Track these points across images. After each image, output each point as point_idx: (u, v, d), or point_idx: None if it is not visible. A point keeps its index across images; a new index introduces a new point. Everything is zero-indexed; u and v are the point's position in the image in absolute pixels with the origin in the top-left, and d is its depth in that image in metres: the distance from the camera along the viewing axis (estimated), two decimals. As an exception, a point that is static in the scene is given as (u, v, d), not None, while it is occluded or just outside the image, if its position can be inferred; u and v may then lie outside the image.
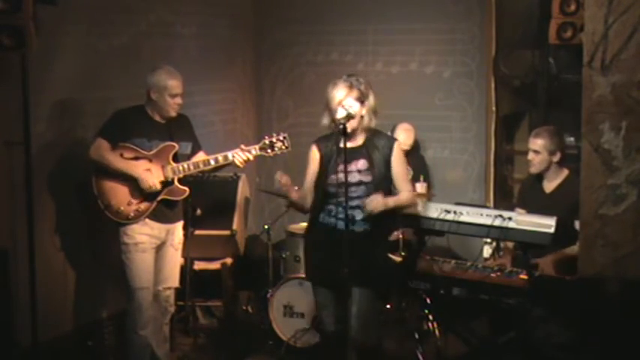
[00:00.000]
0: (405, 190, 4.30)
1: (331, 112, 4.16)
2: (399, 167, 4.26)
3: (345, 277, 3.99)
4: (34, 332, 4.73)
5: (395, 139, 4.36)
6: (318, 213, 4.28)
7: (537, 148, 5.02)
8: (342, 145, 4.10)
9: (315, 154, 4.31)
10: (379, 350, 4.40)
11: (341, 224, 4.14)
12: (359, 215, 4.18)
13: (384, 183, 4.21)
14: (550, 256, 4.80)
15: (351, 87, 4.14)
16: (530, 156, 5.07)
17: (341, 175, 4.07)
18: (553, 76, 6.19)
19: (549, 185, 5.12)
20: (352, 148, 4.17)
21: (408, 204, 4.36)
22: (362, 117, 4.16)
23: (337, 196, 4.14)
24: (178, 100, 4.76)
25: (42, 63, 4.81)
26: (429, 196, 5.67)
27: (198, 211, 5.31)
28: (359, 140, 4.23)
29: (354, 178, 4.17)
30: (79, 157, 4.91)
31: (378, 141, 4.24)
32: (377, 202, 4.12)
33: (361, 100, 4.15)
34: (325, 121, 4.21)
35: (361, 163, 4.19)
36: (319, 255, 4.30)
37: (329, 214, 4.23)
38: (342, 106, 4.11)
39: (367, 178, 4.18)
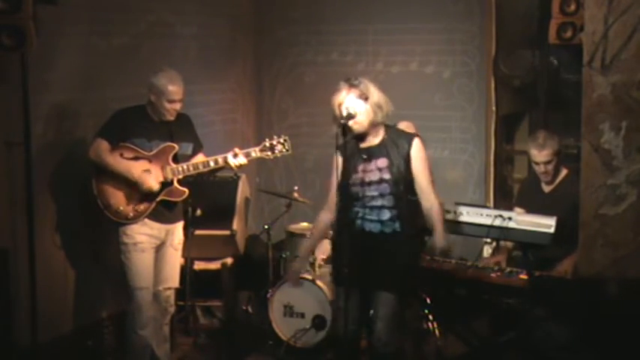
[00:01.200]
0: (425, 189, 4.20)
1: (336, 118, 4.16)
2: (418, 164, 4.20)
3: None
4: (33, 332, 4.73)
5: (415, 136, 4.28)
6: (344, 215, 4.23)
7: (548, 158, 4.98)
8: (361, 145, 4.18)
9: (338, 159, 4.23)
10: (400, 355, 4.37)
11: (369, 226, 4.17)
12: (386, 215, 4.17)
13: (403, 181, 4.18)
14: (571, 257, 4.78)
15: (349, 87, 4.14)
16: (543, 169, 5.00)
17: (361, 175, 4.13)
18: (553, 75, 6.19)
19: (548, 185, 5.12)
20: (372, 147, 4.21)
21: (443, 215, 4.27)
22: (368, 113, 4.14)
23: (359, 196, 4.16)
24: (176, 106, 4.74)
25: (42, 63, 4.81)
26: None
27: (199, 212, 5.31)
28: (377, 138, 4.22)
29: (375, 175, 4.18)
30: (79, 157, 4.91)
31: (397, 139, 4.22)
32: (440, 240, 4.15)
33: (364, 97, 4.13)
34: (335, 129, 4.17)
35: (381, 161, 4.18)
36: (346, 257, 4.16)
37: (360, 218, 4.20)
38: (347, 108, 4.10)
39: (387, 176, 4.17)
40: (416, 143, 4.21)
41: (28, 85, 4.60)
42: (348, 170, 4.20)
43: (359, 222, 4.20)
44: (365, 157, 4.19)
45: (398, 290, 4.20)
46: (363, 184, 4.16)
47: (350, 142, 4.19)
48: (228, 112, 6.87)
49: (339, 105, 4.13)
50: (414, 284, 4.39)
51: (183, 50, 6.15)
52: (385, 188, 4.17)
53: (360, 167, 4.17)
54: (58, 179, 5.06)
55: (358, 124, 4.14)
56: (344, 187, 4.20)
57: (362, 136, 4.16)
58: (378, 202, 4.17)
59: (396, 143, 4.20)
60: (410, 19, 6.55)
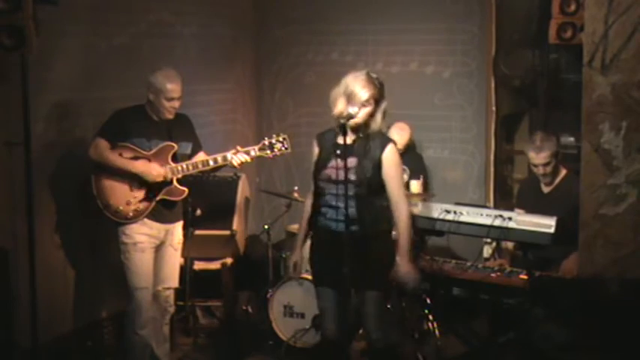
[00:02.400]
0: (395, 197, 4.10)
1: (349, 104, 4.04)
2: (390, 171, 4.09)
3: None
4: (33, 332, 4.73)
5: (390, 140, 4.18)
6: (316, 214, 4.24)
7: (546, 160, 4.97)
8: (340, 141, 4.06)
9: (315, 149, 4.25)
10: (398, 349, 4.36)
11: (335, 225, 4.10)
12: (351, 214, 4.05)
13: (367, 183, 4.08)
14: (574, 256, 4.79)
15: (375, 87, 4.06)
16: (542, 171, 4.99)
17: (329, 171, 4.07)
18: (553, 75, 6.20)
19: (547, 186, 5.12)
20: (346, 145, 4.07)
21: (408, 234, 4.12)
22: (372, 116, 4.07)
23: (325, 192, 4.10)
24: (174, 103, 4.74)
25: (42, 63, 4.81)
26: (428, 197, 5.67)
27: (198, 211, 5.31)
28: (353, 136, 4.11)
29: (342, 175, 4.04)
30: (79, 157, 4.90)
31: (372, 140, 4.12)
32: (407, 272, 4.08)
33: (377, 100, 4.07)
34: (341, 107, 4.06)
35: (350, 161, 4.06)
36: (321, 257, 4.24)
37: (324, 216, 4.17)
38: (364, 106, 4.04)
39: (352, 177, 4.06)
40: (389, 149, 4.10)
41: (28, 85, 4.60)
42: (319, 163, 4.17)
43: (325, 221, 4.14)
44: (338, 152, 4.07)
45: (378, 288, 4.14)
46: (330, 181, 4.07)
47: (330, 133, 4.14)
48: (228, 112, 6.87)
49: (364, 102, 4.02)
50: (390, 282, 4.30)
51: (183, 50, 6.14)
52: (350, 189, 4.03)
53: (331, 164, 4.08)
54: (58, 179, 5.06)
55: (359, 118, 4.05)
56: (315, 180, 4.19)
57: (345, 136, 4.05)
58: (342, 203, 4.04)
59: (370, 145, 4.10)
60: (410, 19, 6.55)
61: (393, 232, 4.28)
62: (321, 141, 4.24)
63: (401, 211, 4.12)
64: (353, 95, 4.06)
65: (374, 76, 4.11)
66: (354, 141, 4.12)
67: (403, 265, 4.09)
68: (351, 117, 4.04)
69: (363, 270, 4.05)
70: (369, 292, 4.13)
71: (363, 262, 4.06)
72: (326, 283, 4.21)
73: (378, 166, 4.09)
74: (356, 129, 4.11)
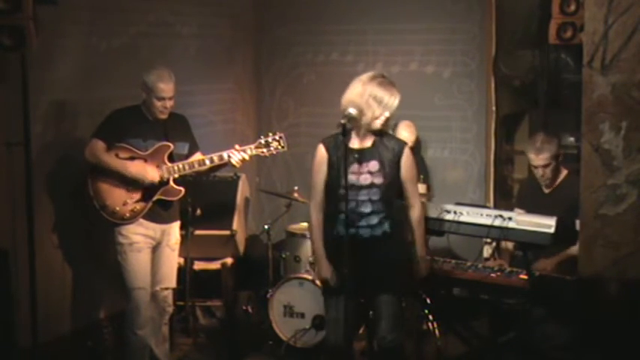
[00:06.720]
0: (412, 198, 4.19)
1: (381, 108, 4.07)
2: (408, 173, 4.15)
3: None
4: (33, 333, 4.73)
5: (406, 143, 4.25)
6: (333, 223, 4.17)
7: (545, 162, 4.96)
8: (350, 145, 4.08)
9: (322, 154, 4.18)
10: (403, 349, 4.41)
11: (358, 232, 4.07)
12: (374, 220, 4.11)
13: (393, 185, 4.12)
14: (553, 257, 4.80)
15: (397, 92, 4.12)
16: (541, 172, 4.98)
17: (350, 177, 4.01)
18: (553, 75, 6.20)
19: (548, 187, 5.10)
20: (363, 149, 4.12)
21: (424, 235, 4.35)
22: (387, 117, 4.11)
23: (347, 199, 4.02)
24: (165, 103, 4.71)
25: (42, 63, 4.81)
26: (428, 197, 5.68)
27: (199, 211, 5.31)
28: (369, 141, 4.13)
29: (366, 180, 4.08)
30: (78, 158, 4.90)
31: (388, 142, 4.15)
32: (424, 268, 4.30)
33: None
34: (377, 112, 4.06)
35: (372, 165, 4.10)
36: (341, 266, 4.06)
37: (344, 225, 4.06)
38: (350, 110, 4.02)
39: (379, 180, 4.08)
40: (407, 151, 4.17)
41: (28, 85, 4.61)
42: (333, 169, 4.13)
43: (351, 230, 4.03)
44: (357, 156, 4.08)
45: (397, 290, 4.19)
46: (352, 187, 4.02)
47: (338, 138, 4.07)
48: (228, 112, 6.87)
49: (381, 101, 4.04)
50: (412, 281, 4.36)
51: (183, 50, 6.15)
52: (375, 193, 4.09)
53: (351, 169, 4.04)
54: (58, 179, 5.06)
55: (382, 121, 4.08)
56: (329, 187, 4.15)
57: (350, 136, 4.08)
58: (368, 209, 4.09)
59: (387, 146, 4.13)
60: (410, 19, 6.55)
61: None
62: (329, 147, 4.17)
63: (416, 212, 4.24)
64: (381, 100, 4.06)
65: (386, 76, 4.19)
66: (372, 144, 4.13)
67: (422, 269, 4.31)
68: (353, 118, 4.00)
69: (384, 273, 4.09)
70: (389, 293, 4.14)
71: (385, 265, 4.10)
72: (342, 293, 4.05)
73: (398, 167, 4.14)
74: (370, 130, 4.11)
